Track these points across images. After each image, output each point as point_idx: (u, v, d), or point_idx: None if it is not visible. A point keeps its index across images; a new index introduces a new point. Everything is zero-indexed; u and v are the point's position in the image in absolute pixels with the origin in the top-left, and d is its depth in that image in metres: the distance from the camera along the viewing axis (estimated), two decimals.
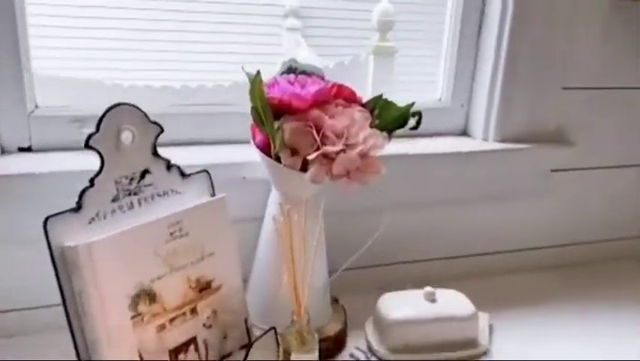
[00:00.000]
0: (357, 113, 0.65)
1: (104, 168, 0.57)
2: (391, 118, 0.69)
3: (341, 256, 0.79)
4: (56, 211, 0.54)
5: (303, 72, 0.70)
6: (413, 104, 0.70)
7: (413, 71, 0.93)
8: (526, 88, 0.88)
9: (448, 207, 0.91)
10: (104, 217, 0.57)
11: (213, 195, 0.68)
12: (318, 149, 0.62)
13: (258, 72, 0.62)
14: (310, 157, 0.61)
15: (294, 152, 0.64)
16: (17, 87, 0.71)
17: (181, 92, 0.81)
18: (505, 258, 0.97)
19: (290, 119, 0.63)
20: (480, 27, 0.89)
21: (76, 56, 0.77)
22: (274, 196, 0.71)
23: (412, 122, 0.89)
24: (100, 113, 0.56)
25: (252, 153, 0.72)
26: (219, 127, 0.81)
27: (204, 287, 0.64)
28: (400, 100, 0.70)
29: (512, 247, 0.97)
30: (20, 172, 0.69)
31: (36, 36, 0.73)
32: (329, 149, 0.61)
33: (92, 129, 0.56)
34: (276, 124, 0.64)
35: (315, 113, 0.63)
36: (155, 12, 0.78)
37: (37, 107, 0.75)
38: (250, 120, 0.67)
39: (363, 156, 0.63)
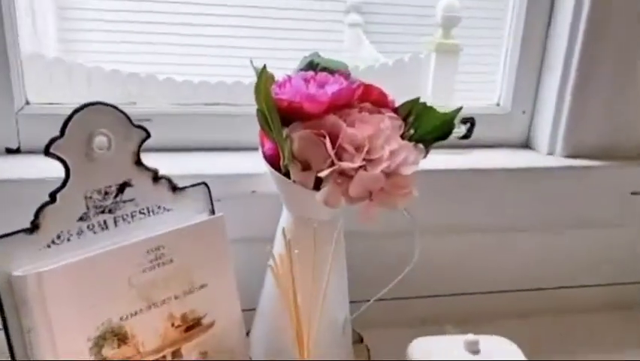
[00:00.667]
0: (386, 121, 0.52)
1: (70, 180, 0.47)
2: (431, 127, 0.56)
3: (369, 285, 0.66)
4: None
5: (325, 69, 0.58)
6: (460, 109, 0.57)
7: (469, 70, 0.80)
8: (604, 93, 0.72)
9: (499, 234, 0.76)
10: (68, 240, 0.47)
11: (213, 212, 0.57)
12: (332, 164, 0.50)
13: (264, 67, 0.51)
14: (322, 174, 0.49)
15: (306, 166, 0.52)
16: (3, 80, 0.63)
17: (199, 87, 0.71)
18: (566, 295, 0.81)
19: (300, 126, 0.52)
20: (549, 20, 0.74)
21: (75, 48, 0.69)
22: (285, 217, 0.59)
23: (461, 129, 0.76)
24: None
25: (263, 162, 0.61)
26: (226, 130, 0.70)
27: (192, 325, 0.53)
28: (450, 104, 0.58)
29: (578, 282, 0.81)
30: (5, 177, 0.61)
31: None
32: (345, 165, 0.49)
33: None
34: (285, 131, 0.52)
35: (332, 119, 0.51)
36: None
37: (27, 103, 0.66)
38: None
39: (390, 174, 0.51)
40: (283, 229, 0.52)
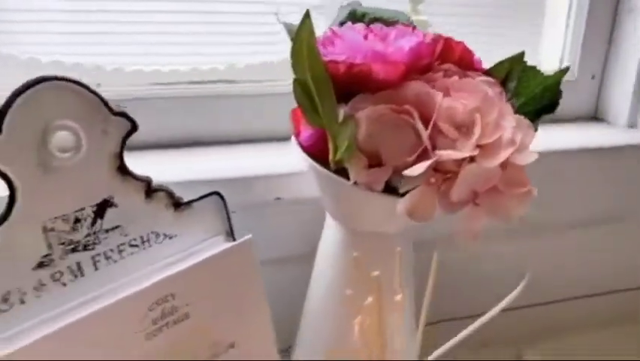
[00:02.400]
0: (489, 88, 0.36)
1: (17, 205, 0.29)
2: (534, 94, 0.40)
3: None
4: None
5: (377, 20, 0.41)
6: (566, 70, 0.41)
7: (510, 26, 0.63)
8: None
9: (570, 232, 0.61)
10: (22, 302, 0.29)
11: (231, 234, 0.40)
12: (425, 153, 0.33)
13: (308, 14, 0.34)
14: (413, 171, 0.32)
15: (374, 160, 0.36)
16: None
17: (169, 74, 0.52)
18: None
19: (369, 100, 0.35)
20: None
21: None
22: (331, 230, 0.42)
23: None
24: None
25: (289, 158, 0.44)
26: (227, 118, 0.52)
27: None
28: None
29: None
30: None
31: None
32: (450, 155, 0.32)
33: None
34: (341, 111, 0.35)
35: (417, 87, 0.34)
36: None
37: None
38: (288, 104, 0.39)
39: (504, 165, 0.34)
40: (355, 258, 0.35)
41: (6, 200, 0.29)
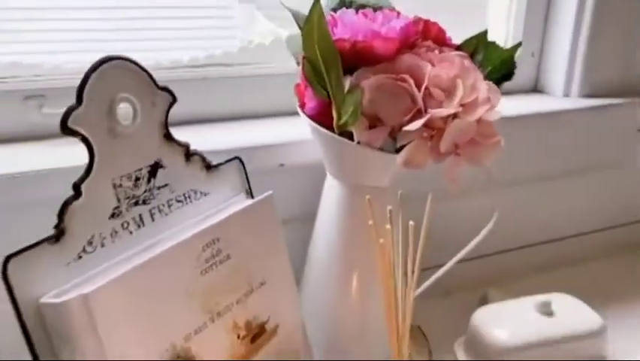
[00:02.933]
0: (465, 60, 0.44)
1: (96, 164, 0.35)
2: (496, 65, 0.49)
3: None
4: (18, 243, 0.31)
5: (364, 6, 0.48)
6: (519, 45, 0.50)
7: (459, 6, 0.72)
8: (621, 25, 0.69)
9: (522, 187, 0.71)
10: (102, 245, 0.35)
11: (250, 193, 0.46)
12: (418, 114, 0.41)
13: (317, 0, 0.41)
14: (411, 127, 0.40)
15: (374, 122, 0.43)
16: None
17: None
18: (594, 239, 0.77)
19: (370, 71, 0.42)
20: None
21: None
22: (332, 189, 0.50)
23: None
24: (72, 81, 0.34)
25: (290, 129, 0.51)
26: (232, 95, 0.58)
27: (257, 333, 0.42)
28: None
29: (600, 225, 0.78)
30: None
31: None
32: (439, 112, 0.40)
33: (60, 108, 0.33)
34: (347, 82, 0.43)
35: (409, 59, 0.42)
36: None
37: None
38: (287, 83, 0.46)
39: (479, 121, 0.43)
40: (368, 200, 0.42)
41: (85, 164, 0.35)
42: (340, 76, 0.42)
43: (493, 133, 0.44)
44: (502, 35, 0.72)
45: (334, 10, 0.48)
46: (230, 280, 0.40)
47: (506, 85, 0.68)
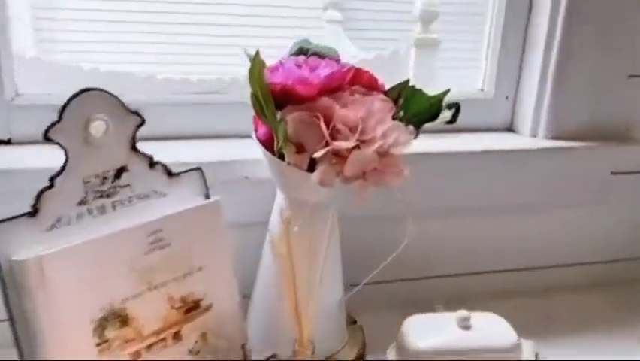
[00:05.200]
0: (378, 103, 0.54)
1: (69, 164, 0.48)
2: (420, 109, 0.58)
3: (360, 269, 0.68)
4: None
5: (316, 54, 0.59)
6: (447, 92, 0.59)
7: (452, 59, 0.82)
8: (585, 75, 0.75)
9: (486, 215, 0.78)
10: (68, 223, 0.48)
11: (208, 197, 0.58)
12: (327, 145, 0.51)
13: (257, 53, 0.52)
14: (317, 155, 0.50)
15: (300, 148, 0.54)
16: None
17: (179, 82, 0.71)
18: (550, 274, 0.83)
19: (294, 109, 0.53)
20: (530, 5, 0.76)
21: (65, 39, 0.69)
22: (279, 200, 0.61)
23: (447, 114, 0.78)
24: None
25: (255, 149, 0.62)
26: (218, 118, 0.71)
27: (191, 307, 0.54)
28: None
29: (559, 261, 0.84)
30: None
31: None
32: (340, 145, 0.50)
33: None
34: (279, 115, 0.53)
35: (324, 101, 0.52)
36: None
37: (17, 94, 0.66)
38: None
39: (383, 154, 0.52)
40: (281, 209, 0.53)
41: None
42: (273, 110, 0.53)
43: (397, 165, 0.53)
44: (480, 81, 0.80)
45: (295, 54, 0.60)
46: (168, 262, 0.52)
47: (480, 123, 0.77)
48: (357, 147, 0.51)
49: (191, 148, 0.67)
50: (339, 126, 0.51)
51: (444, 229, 0.77)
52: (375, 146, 0.50)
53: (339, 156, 0.51)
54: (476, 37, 0.80)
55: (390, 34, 0.82)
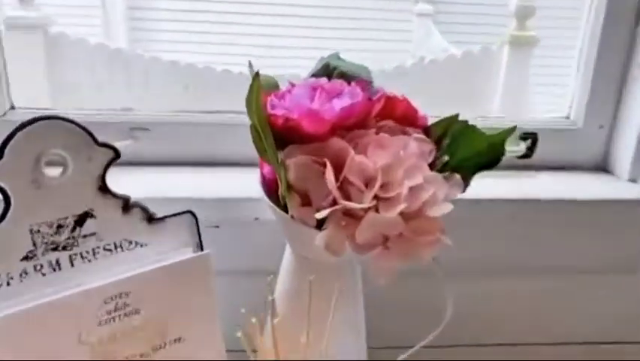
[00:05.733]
0: (412, 145, 0.40)
1: (11, 211, 0.39)
2: (473, 152, 0.44)
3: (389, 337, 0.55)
4: None
5: (343, 74, 0.47)
6: (514, 129, 0.44)
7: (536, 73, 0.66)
8: None
9: (560, 279, 0.62)
10: (8, 284, 0.39)
11: (200, 247, 0.47)
12: (334, 202, 0.39)
13: (257, 74, 0.40)
14: (319, 215, 0.38)
15: (306, 200, 0.41)
16: None
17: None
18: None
19: (297, 150, 0.41)
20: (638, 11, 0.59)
21: None
22: (287, 253, 0.49)
23: (520, 147, 0.63)
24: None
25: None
26: (231, 143, 0.60)
27: None
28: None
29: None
30: None
31: None
32: (350, 205, 0.38)
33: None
34: (280, 155, 0.42)
35: (337, 143, 0.40)
36: None
37: (12, 108, 0.59)
38: None
39: (412, 215, 0.39)
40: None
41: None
42: (274, 149, 0.41)
43: (432, 230, 0.39)
44: (566, 105, 0.64)
45: (315, 75, 0.48)
46: (134, 333, 0.42)
47: (565, 159, 0.62)
48: (374, 207, 0.38)
49: (196, 178, 0.57)
50: (353, 178, 0.38)
51: (507, 293, 0.62)
52: (400, 207, 0.37)
53: (352, 217, 0.39)
54: (566, 52, 0.64)
55: (482, 28, 0.70)
